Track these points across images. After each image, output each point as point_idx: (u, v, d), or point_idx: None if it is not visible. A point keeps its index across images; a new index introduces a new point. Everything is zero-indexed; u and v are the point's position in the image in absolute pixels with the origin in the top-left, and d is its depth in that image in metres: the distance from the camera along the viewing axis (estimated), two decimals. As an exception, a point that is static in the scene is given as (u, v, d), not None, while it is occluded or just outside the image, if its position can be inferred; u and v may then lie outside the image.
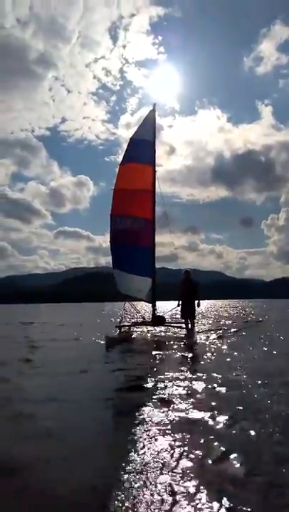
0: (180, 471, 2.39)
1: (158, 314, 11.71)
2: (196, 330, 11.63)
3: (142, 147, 11.33)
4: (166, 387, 4.62)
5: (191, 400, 4.03)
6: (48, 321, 22.09)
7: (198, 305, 11.09)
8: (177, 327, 11.71)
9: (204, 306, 53.83)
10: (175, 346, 8.86)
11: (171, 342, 9.40)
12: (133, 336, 11.07)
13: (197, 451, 2.68)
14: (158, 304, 11.75)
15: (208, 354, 7.37)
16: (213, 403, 3.86)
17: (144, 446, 2.82)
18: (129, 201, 11.22)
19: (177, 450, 2.73)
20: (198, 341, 9.59)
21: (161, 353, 7.69)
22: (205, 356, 7.12)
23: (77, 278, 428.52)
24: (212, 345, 8.86)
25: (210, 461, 2.54)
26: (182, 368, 5.88)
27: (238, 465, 2.47)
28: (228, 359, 6.67)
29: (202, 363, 6.52)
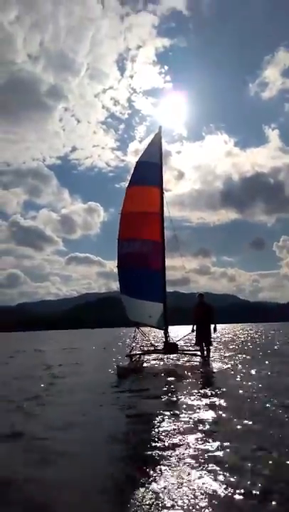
0: None
1: (170, 341, 11.13)
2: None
3: (149, 170, 11.19)
4: (183, 432, 4.01)
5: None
6: (58, 348, 21.77)
7: (215, 330, 10.46)
8: (191, 354, 11.10)
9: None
10: (189, 376, 8.34)
11: (185, 372, 8.86)
12: (144, 366, 10.54)
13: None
14: (170, 329, 11.19)
15: (228, 385, 6.82)
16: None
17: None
18: (137, 224, 10.99)
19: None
20: (214, 370, 9.03)
21: (174, 385, 7.16)
22: (224, 388, 6.53)
23: (88, 303, 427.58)
24: (230, 374, 8.32)
25: None
26: (198, 404, 5.35)
27: None
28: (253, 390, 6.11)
29: (220, 396, 5.92)
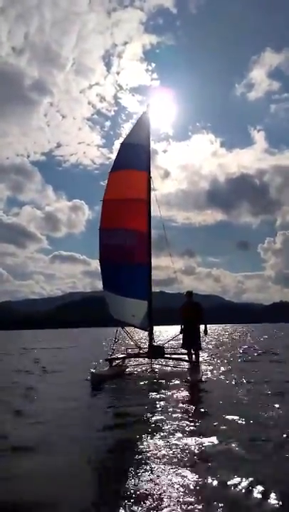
0: None
1: (155, 344, 9.97)
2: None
3: (135, 152, 9.95)
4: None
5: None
6: (44, 348, 20.48)
7: (206, 332, 9.26)
8: (178, 359, 9.84)
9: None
10: (176, 384, 7.28)
11: (172, 379, 7.79)
12: (126, 372, 9.44)
13: None
14: (157, 329, 10.06)
15: (218, 396, 5.83)
16: None
17: None
18: (121, 212, 9.75)
19: None
20: (203, 377, 7.95)
21: (157, 395, 6.12)
22: (213, 401, 5.61)
23: (74, 302, 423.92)
24: (221, 382, 7.33)
25: None
26: (183, 424, 4.29)
27: None
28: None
29: (209, 412, 4.94)
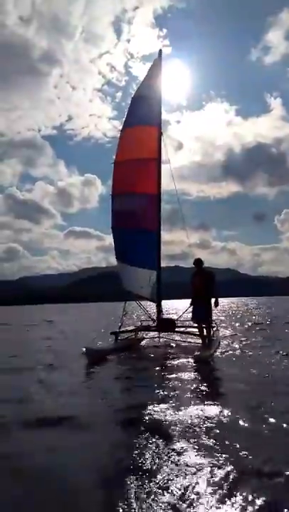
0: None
1: (165, 317, 9.35)
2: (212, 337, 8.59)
3: (145, 106, 9.02)
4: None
5: None
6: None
7: (216, 304, 8.09)
8: (189, 333, 9.14)
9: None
10: (181, 362, 6.71)
11: (176, 356, 7.27)
12: (133, 346, 9.00)
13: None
14: (167, 303, 9.72)
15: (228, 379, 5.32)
16: None
17: None
18: (131, 175, 9.00)
19: None
20: (214, 355, 7.20)
21: (160, 376, 5.67)
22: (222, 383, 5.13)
23: (90, 277, 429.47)
24: (233, 360, 6.81)
25: None
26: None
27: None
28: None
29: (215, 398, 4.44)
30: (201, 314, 8.13)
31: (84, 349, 7.30)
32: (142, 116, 9.05)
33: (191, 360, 6.79)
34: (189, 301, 8.38)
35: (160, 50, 9.59)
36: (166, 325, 9.01)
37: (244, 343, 9.26)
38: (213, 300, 8.09)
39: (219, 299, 8.09)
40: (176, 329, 9.06)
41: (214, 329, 9.19)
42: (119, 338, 8.87)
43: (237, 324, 15.34)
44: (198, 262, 8.28)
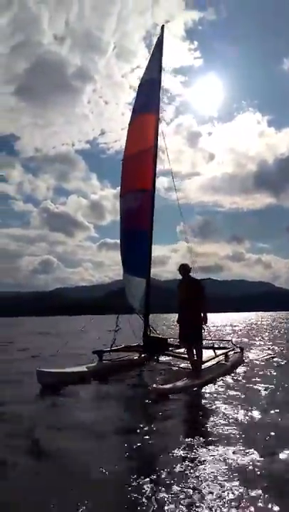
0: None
1: (153, 335, 7.87)
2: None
3: (147, 91, 8.23)
4: None
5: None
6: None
7: (205, 321, 6.54)
8: (178, 356, 7.37)
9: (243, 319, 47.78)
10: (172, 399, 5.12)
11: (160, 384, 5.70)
12: (121, 368, 7.44)
13: None
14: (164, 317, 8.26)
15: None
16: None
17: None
18: (131, 170, 8.26)
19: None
20: (206, 382, 5.93)
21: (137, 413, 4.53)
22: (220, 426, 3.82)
23: (122, 289, 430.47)
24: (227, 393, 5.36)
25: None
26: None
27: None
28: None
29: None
30: (190, 333, 6.53)
31: (37, 369, 6.00)
32: (143, 102, 8.30)
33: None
34: (176, 316, 6.82)
35: (162, 26, 8.65)
36: (155, 345, 7.55)
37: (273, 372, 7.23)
38: (202, 316, 6.52)
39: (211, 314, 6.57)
40: (168, 350, 7.55)
41: (232, 352, 7.87)
42: (103, 358, 7.45)
43: (282, 342, 13.53)
44: (184, 268, 6.71)
